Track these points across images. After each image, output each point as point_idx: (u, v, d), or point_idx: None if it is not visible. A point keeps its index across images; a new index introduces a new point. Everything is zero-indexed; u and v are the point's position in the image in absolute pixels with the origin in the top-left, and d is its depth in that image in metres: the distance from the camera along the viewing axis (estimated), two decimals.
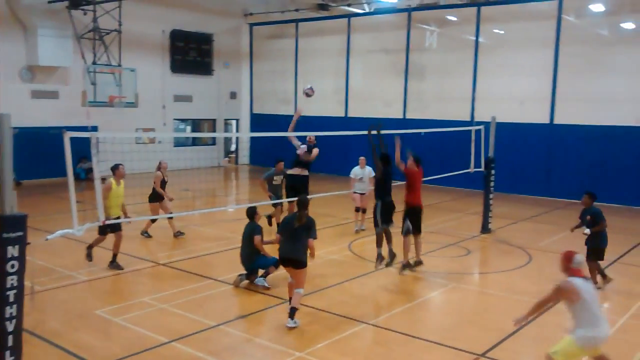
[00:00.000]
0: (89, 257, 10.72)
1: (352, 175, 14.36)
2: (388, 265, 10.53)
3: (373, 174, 13.12)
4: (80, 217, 7.22)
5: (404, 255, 10.67)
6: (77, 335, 7.70)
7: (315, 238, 8.22)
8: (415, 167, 10.86)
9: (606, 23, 19.33)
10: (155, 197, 13.24)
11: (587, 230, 9.88)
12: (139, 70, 22.84)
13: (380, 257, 10.45)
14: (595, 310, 5.73)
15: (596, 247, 9.85)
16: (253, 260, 9.78)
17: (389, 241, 10.49)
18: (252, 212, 9.96)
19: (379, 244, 10.48)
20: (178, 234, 13.38)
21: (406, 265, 10.69)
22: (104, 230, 10.25)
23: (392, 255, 10.47)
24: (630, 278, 10.96)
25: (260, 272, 9.78)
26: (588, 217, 9.97)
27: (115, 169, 10.69)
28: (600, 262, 9.99)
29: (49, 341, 7.43)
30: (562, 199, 19.64)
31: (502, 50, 21.22)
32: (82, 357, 7.01)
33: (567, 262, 5.91)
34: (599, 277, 9.99)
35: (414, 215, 10.75)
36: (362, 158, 14.34)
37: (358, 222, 14.40)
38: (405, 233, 10.69)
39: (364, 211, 14.28)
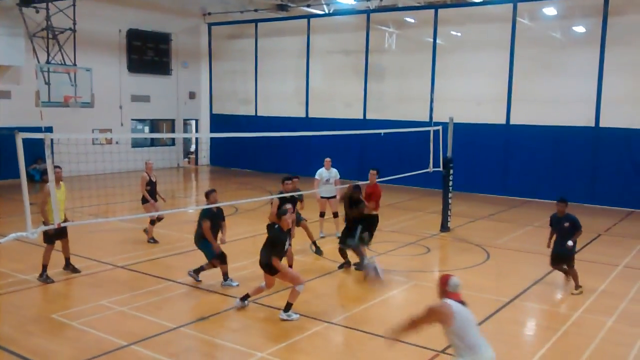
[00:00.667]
0: (47, 278, 9.99)
1: (317, 176, 13.66)
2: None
3: (339, 176, 13.22)
4: (34, 220, 7.04)
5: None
6: (32, 340, 7.50)
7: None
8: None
9: (559, 26, 19.86)
10: (146, 199, 12.75)
11: (571, 243, 9.84)
12: (95, 69, 22.39)
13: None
14: (473, 335, 5.16)
15: (563, 251, 9.92)
16: (201, 242, 9.75)
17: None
18: (207, 193, 9.89)
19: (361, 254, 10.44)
20: (151, 240, 12.90)
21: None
22: (50, 238, 9.88)
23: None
24: (584, 274, 11.27)
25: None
26: (566, 224, 9.95)
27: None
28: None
29: (3, 347, 7.21)
30: (518, 197, 20.09)
31: (460, 52, 21.58)
32: None
33: (443, 286, 5.27)
34: (565, 277, 10.22)
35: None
36: (327, 159, 13.77)
37: (324, 228, 13.65)
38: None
39: (335, 215, 13.49)
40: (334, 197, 13.31)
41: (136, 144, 26.18)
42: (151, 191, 12.78)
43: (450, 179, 14.60)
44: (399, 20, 23.25)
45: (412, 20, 23.13)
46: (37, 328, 7.90)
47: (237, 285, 9.65)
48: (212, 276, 10.16)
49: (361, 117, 23.85)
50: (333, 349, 7.64)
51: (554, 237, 10.20)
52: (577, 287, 9.85)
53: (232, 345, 7.51)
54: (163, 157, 26.80)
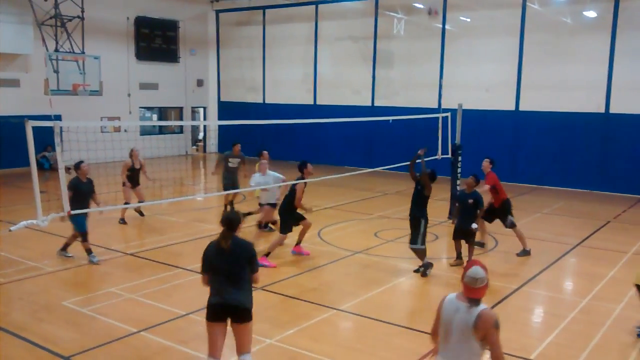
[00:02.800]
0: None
1: (253, 184, 11.73)
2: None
3: (282, 177, 11.70)
4: (44, 208, 7.09)
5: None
6: (43, 326, 7.58)
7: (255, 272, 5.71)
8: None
9: (569, 11, 19.65)
10: (129, 181, 13.32)
11: (475, 226, 10.18)
12: (103, 57, 22.44)
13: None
14: (440, 336, 4.47)
15: (465, 228, 10.27)
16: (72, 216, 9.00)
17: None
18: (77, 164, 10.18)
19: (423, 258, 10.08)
20: (122, 221, 13.49)
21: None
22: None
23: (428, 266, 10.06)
24: (592, 261, 11.26)
25: None
26: (470, 201, 10.27)
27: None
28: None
29: (15, 334, 7.29)
30: (527, 184, 20.02)
31: (469, 38, 21.43)
32: (50, 349, 6.91)
33: (463, 273, 4.41)
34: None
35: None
36: (263, 161, 12.07)
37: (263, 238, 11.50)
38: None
39: (272, 224, 11.96)
40: (275, 204, 11.38)
41: (144, 131, 26.24)
42: (132, 177, 13.35)
43: (459, 165, 14.54)
44: (408, 6, 23.08)
45: (421, 6, 22.95)
46: (48, 315, 7.98)
47: (98, 261, 10.19)
48: None
49: (369, 104, 23.78)
50: (341, 335, 7.67)
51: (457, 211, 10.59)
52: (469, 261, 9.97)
53: None
54: (172, 145, 26.91)
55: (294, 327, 7.65)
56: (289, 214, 10.53)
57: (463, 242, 10.48)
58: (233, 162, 13.97)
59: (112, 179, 13.67)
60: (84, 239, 10.31)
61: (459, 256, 10.54)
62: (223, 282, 5.47)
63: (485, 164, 11.95)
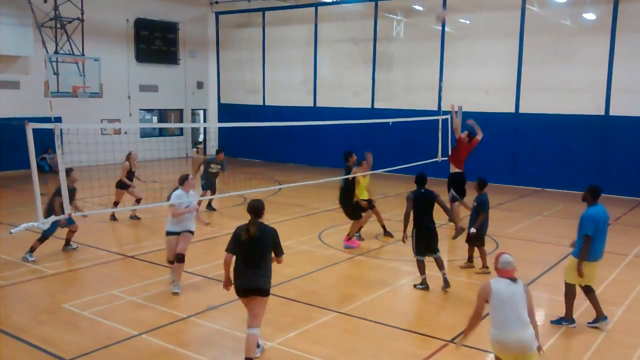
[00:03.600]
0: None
1: (174, 200, 8.89)
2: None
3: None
4: (45, 210, 7.08)
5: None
6: (44, 329, 7.57)
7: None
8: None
9: (568, 13, 19.66)
10: (122, 184, 13.77)
11: (473, 230, 10.18)
12: (103, 59, 22.45)
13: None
14: (506, 313, 5.46)
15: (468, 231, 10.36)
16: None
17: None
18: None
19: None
20: (134, 217, 14.02)
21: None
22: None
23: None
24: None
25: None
26: (475, 204, 10.29)
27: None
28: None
29: (15, 336, 7.29)
30: (527, 187, 20.02)
31: (468, 40, 21.43)
32: (50, 351, 6.90)
33: (496, 263, 5.74)
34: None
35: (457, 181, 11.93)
36: (188, 182, 9.02)
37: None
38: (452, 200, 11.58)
39: (181, 259, 8.94)
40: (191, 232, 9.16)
41: (145, 134, 26.25)
42: (129, 178, 13.85)
43: None
44: (407, 8, 23.10)
45: (420, 8, 22.97)
46: (49, 317, 7.97)
47: (33, 260, 10.32)
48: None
49: (369, 106, 23.78)
50: (341, 338, 7.66)
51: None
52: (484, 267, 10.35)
53: (242, 334, 7.53)
54: (172, 147, 26.92)
55: (294, 330, 7.64)
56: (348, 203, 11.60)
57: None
58: (214, 168, 14.76)
59: (112, 181, 13.72)
60: (42, 240, 10.42)
61: (469, 259, 10.64)
62: (248, 265, 6.31)
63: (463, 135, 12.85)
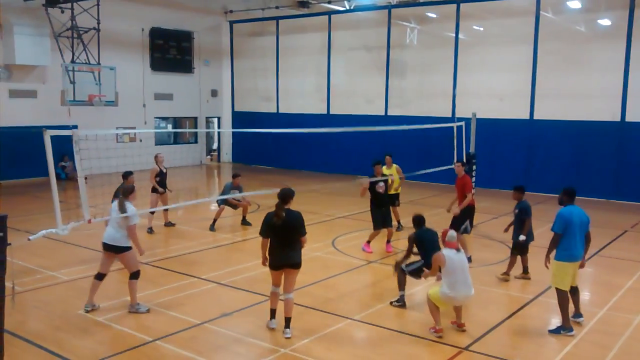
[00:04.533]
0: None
1: (135, 221, 8.37)
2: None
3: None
4: (62, 217, 7.15)
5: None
6: (59, 335, 7.63)
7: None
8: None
9: (583, 20, 19.57)
10: (155, 189, 13.50)
11: (523, 237, 9.88)
12: (119, 68, 22.67)
13: None
14: (457, 275, 7.40)
15: (514, 239, 10.14)
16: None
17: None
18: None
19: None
20: (168, 224, 13.95)
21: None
22: None
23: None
24: (609, 271, 11.13)
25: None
26: (516, 211, 10.05)
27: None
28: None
29: (32, 342, 7.35)
30: (541, 194, 19.84)
31: (482, 47, 21.39)
32: (66, 357, 6.95)
33: (444, 237, 7.63)
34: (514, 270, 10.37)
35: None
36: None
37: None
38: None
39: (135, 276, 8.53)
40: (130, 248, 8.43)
41: (159, 141, 26.42)
42: (161, 182, 13.54)
43: (473, 174, 14.50)
44: (421, 15, 23.12)
45: (434, 16, 22.98)
46: (64, 323, 8.03)
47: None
48: (237, 272, 10.27)
49: (383, 113, 23.78)
50: (356, 345, 7.64)
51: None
52: (506, 273, 10.30)
53: (256, 341, 7.56)
54: (187, 155, 27.08)
55: (308, 336, 7.63)
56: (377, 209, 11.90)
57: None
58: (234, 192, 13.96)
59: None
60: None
61: (524, 270, 10.34)
62: (282, 246, 7.41)
63: (458, 168, 11.92)
